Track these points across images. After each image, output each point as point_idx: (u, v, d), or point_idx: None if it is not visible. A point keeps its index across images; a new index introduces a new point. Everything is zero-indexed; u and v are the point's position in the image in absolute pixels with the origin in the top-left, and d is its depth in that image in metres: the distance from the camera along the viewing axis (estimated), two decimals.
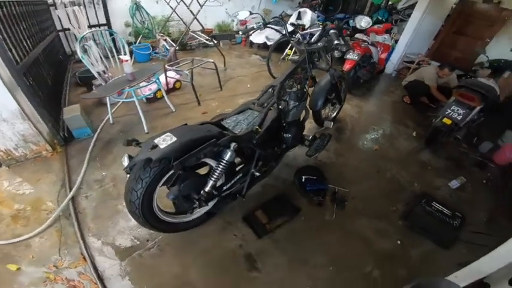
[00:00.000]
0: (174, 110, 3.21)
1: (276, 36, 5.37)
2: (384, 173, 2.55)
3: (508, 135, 3.00)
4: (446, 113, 2.59)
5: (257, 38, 5.54)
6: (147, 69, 2.90)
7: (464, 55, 5.15)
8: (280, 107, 1.91)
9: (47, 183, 2.15)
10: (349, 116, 3.45)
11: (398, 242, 1.91)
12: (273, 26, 2.42)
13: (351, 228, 1.98)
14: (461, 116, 2.52)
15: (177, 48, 4.11)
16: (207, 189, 1.57)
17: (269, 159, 1.96)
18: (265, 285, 1.59)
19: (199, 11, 3.96)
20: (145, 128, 2.77)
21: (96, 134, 2.73)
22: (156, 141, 1.31)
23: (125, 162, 1.34)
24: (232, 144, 1.52)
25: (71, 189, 2.07)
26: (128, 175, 1.36)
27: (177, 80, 3.73)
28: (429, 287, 1.32)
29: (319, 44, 2.12)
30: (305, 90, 2.16)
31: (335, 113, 3.11)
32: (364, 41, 4.04)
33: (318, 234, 1.91)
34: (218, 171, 1.54)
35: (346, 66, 3.72)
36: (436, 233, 1.96)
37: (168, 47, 4.31)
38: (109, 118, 2.92)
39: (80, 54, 2.46)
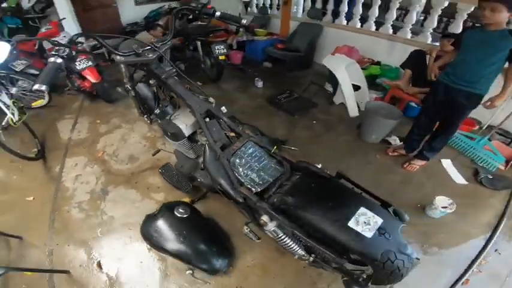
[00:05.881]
0: None
1: None
2: (241, 111, 3.11)
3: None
4: (217, 53, 3.28)
5: None
6: None
7: (110, 23, 5.55)
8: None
9: None
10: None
11: (314, 122, 2.92)
12: None
13: (303, 141, 2.64)
14: (225, 49, 3.32)
15: None
16: None
17: None
18: None
19: None
20: None
21: None
22: (371, 232, 1.01)
23: None
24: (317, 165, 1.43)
25: None
26: None
27: None
28: (374, 107, 2.45)
29: (168, 42, 1.68)
30: None
31: None
32: (78, 42, 3.16)
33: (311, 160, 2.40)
34: None
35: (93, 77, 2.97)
36: (306, 105, 3.15)
37: None
38: None
39: None
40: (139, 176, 2.25)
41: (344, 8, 4.00)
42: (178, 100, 1.94)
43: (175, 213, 1.63)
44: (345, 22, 4.06)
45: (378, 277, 1.08)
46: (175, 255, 1.53)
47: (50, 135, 2.77)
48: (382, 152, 2.47)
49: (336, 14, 4.15)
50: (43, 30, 3.56)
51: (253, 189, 1.34)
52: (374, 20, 3.76)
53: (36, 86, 1.02)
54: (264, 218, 1.21)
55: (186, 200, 1.97)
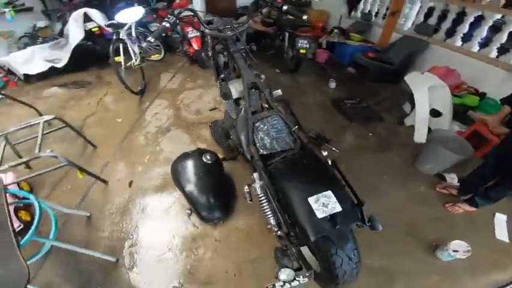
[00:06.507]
0: (88, 214, 1.91)
1: (60, 53, 3.90)
2: (303, 103, 3.22)
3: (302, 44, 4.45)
4: (299, 46, 3.47)
5: (32, 67, 3.72)
6: None
7: (228, 3, 6.40)
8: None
9: None
10: None
11: (370, 134, 2.76)
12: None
13: (349, 147, 2.57)
14: (308, 45, 3.48)
15: None
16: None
17: None
18: (391, 215, 1.86)
19: None
20: (108, 258, 1.62)
21: None
22: (324, 214, 1.03)
23: (290, 274, 1.08)
24: (324, 152, 1.46)
25: None
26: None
27: (18, 183, 2.05)
28: (442, 136, 2.20)
29: (245, 25, 2.02)
30: None
31: None
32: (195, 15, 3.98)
33: (349, 168, 2.29)
34: None
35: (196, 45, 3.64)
36: (368, 116, 2.99)
37: None
38: None
39: None
40: (196, 127, 2.73)
41: (464, 28, 3.47)
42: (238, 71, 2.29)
43: (203, 157, 1.98)
44: (459, 43, 3.53)
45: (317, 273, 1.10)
46: (186, 193, 1.85)
47: (153, 81, 3.62)
48: (430, 185, 2.17)
49: (450, 32, 3.64)
50: (178, 1, 4.51)
51: (260, 150, 1.51)
52: (498, 46, 3.14)
53: (149, 38, 1.61)
54: (255, 175, 1.38)
55: (220, 155, 2.31)
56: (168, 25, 1.66)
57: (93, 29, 3.77)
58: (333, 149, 2.51)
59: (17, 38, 4.29)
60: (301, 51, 3.48)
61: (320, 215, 1.03)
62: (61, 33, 4.32)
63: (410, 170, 2.34)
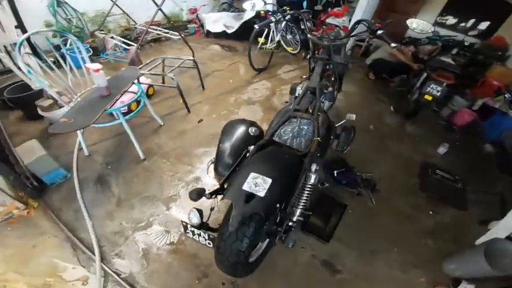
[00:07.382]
0: (162, 124, 2.79)
1: (234, 23, 5.12)
2: (389, 149, 2.88)
3: (457, 100, 3.66)
4: (427, 90, 2.99)
5: (214, 26, 5.15)
6: (119, 78, 2.29)
7: (396, 30, 5.94)
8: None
9: (51, 248, 1.70)
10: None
11: (431, 212, 2.24)
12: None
13: (391, 209, 2.21)
14: (440, 93, 2.94)
15: (139, 47, 3.48)
16: (295, 218, 1.41)
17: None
18: (354, 282, 1.70)
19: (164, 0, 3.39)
20: (140, 154, 2.36)
21: (75, 173, 2.18)
22: (248, 189, 1.16)
23: (195, 218, 1.28)
24: (314, 166, 1.46)
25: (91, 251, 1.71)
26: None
27: (150, 86, 3.23)
28: (502, 248, 1.63)
29: (344, 40, 2.14)
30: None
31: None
32: (337, 26, 4.24)
33: (369, 222, 2.07)
34: (305, 198, 1.45)
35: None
36: (451, 197, 2.36)
37: (125, 47, 3.67)
38: (82, 149, 2.37)
39: (24, 67, 1.88)
40: (274, 112, 3.06)
41: None
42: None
43: (249, 128, 2.33)
44: None
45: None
46: (218, 147, 2.23)
47: (274, 66, 4.21)
48: (433, 282, 1.71)
49: None
50: (335, 9, 4.76)
51: (275, 136, 1.70)
52: None
53: (256, 25, 2.16)
54: (251, 147, 1.63)
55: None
56: (273, 19, 2.08)
57: (261, 12, 4.68)
58: (372, 199, 2.24)
59: (220, 2, 5.91)
60: (426, 96, 2.99)
61: (245, 187, 1.17)
62: None
63: (432, 260, 1.85)
